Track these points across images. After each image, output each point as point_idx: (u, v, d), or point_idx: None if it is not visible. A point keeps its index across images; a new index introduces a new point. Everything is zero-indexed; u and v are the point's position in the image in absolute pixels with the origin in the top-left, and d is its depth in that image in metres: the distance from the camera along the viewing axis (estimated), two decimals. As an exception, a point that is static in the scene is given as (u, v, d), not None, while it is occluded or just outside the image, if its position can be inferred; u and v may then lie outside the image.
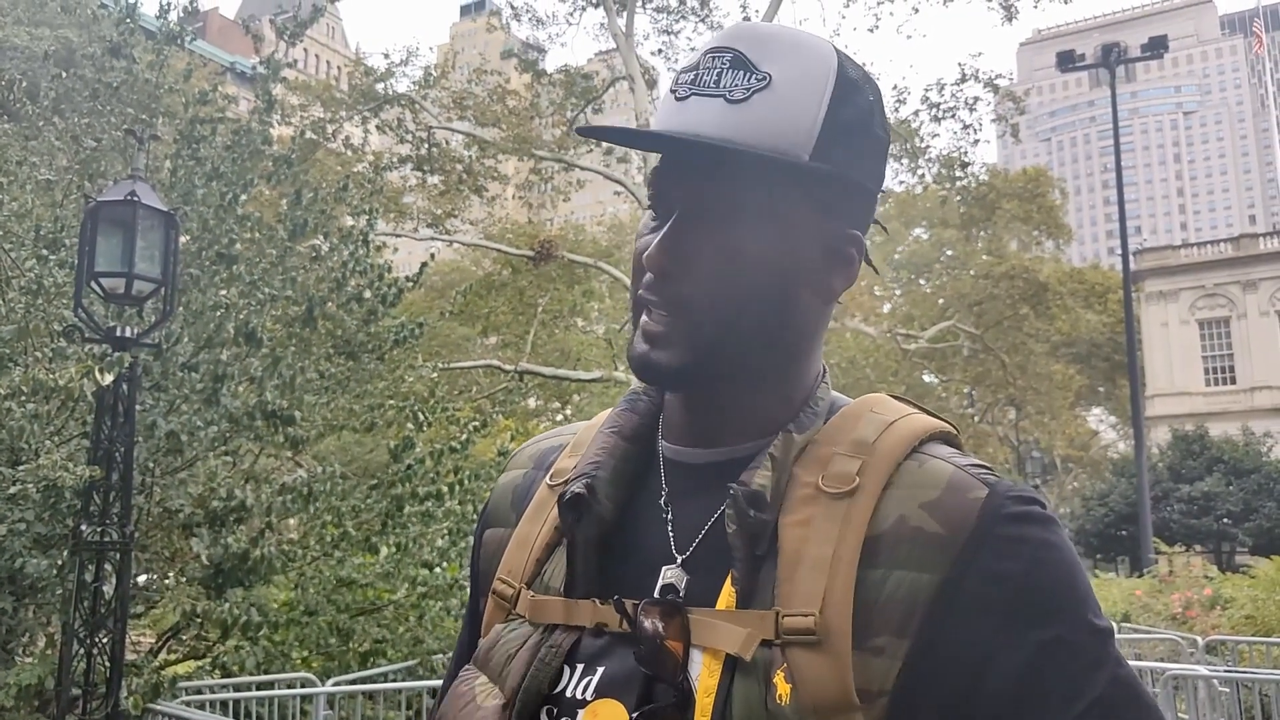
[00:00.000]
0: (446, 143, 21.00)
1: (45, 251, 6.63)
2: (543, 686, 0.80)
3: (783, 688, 0.73)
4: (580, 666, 0.81)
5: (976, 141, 43.03)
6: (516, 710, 0.79)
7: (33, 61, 10.57)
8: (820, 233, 0.82)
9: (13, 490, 5.58)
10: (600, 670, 0.80)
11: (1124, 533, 28.38)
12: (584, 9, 19.95)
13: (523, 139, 20.32)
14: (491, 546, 0.94)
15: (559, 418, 26.31)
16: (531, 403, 24.99)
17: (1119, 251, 20.66)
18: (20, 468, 5.57)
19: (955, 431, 0.86)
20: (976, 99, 20.30)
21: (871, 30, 21.51)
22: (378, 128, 20.31)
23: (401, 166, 20.72)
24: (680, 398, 0.88)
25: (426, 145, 20.41)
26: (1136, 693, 0.76)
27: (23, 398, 5.29)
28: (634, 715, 0.76)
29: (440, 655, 7.41)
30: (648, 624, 0.77)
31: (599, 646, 0.81)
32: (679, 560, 0.81)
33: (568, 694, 0.80)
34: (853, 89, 0.82)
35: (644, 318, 0.83)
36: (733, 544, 0.78)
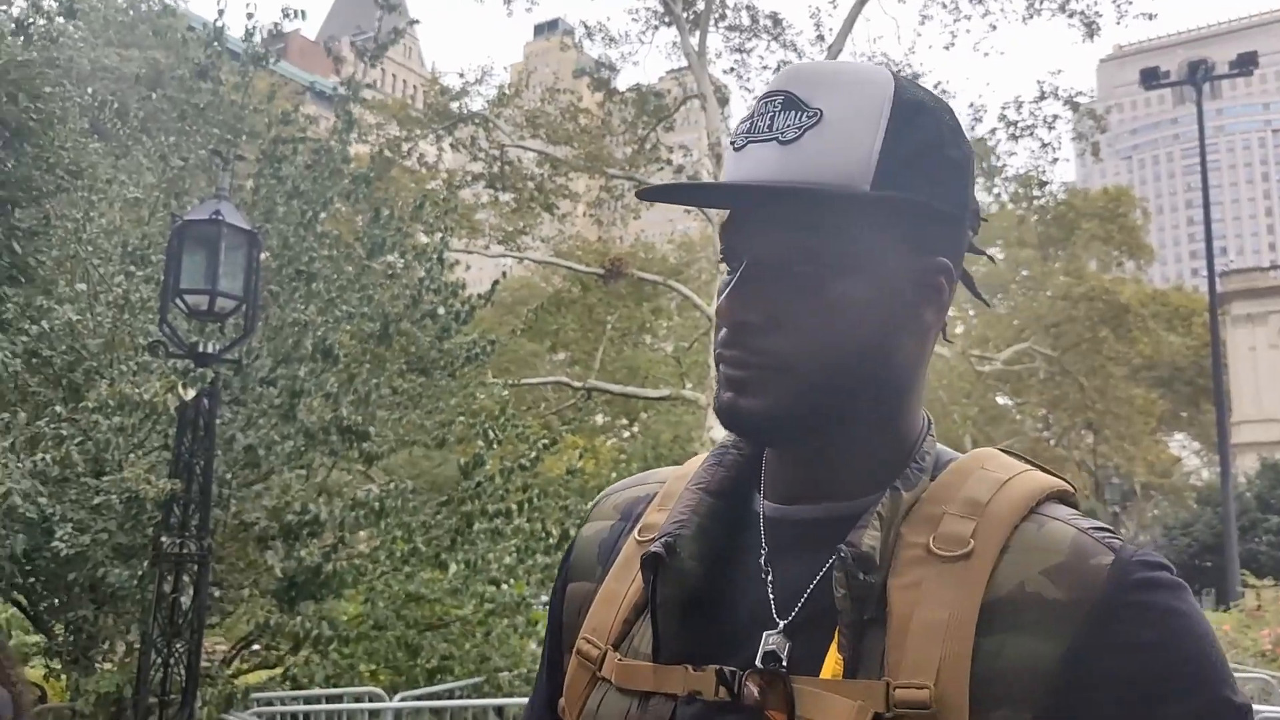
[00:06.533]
0: (519, 160, 21.21)
1: (133, 267, 6.82)
2: None
3: None
4: None
5: (1055, 160, 42.03)
6: None
7: (122, 82, 10.93)
8: (903, 266, 0.79)
9: (97, 501, 5.74)
10: None
11: (1209, 564, 27.43)
12: (656, 28, 20.03)
13: (594, 157, 20.43)
14: (576, 602, 0.90)
15: (626, 434, 26.32)
16: (599, 419, 25.04)
17: (1204, 273, 20.05)
18: (104, 478, 5.72)
19: (1073, 490, 0.82)
20: (1055, 117, 19.95)
21: (947, 48, 21.33)
22: (452, 146, 20.60)
23: (474, 184, 20.97)
24: (778, 452, 0.85)
25: (499, 163, 20.62)
26: None
27: (109, 410, 5.43)
28: None
29: (506, 673, 7.42)
30: (749, 694, 0.73)
31: (693, 715, 0.77)
32: (780, 625, 0.77)
33: None
34: (915, 113, 0.79)
35: (726, 368, 0.79)
36: (840, 608, 0.74)
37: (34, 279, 6.96)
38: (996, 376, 27.63)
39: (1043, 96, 19.70)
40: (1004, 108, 19.51)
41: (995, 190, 21.08)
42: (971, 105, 28.09)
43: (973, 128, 20.34)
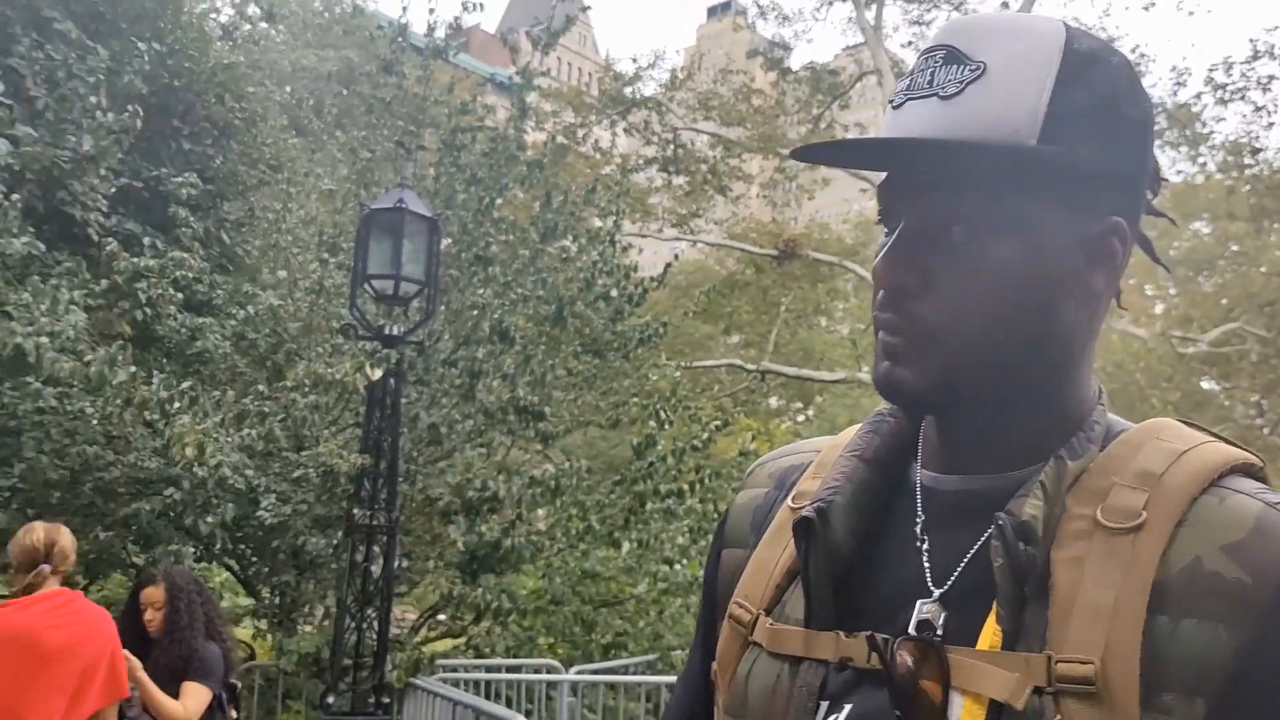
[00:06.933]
0: (692, 143, 21.23)
1: (326, 255, 7.23)
2: None
3: None
4: (825, 704, 0.75)
5: (1270, 125, 39.01)
6: None
7: (318, 81, 11.57)
8: (1070, 228, 0.73)
9: (297, 474, 6.13)
10: (847, 708, 0.74)
11: None
12: (831, 3, 19.72)
13: (768, 137, 20.23)
14: (729, 568, 0.89)
15: (800, 418, 26.02)
16: (773, 402, 24.85)
17: None
18: (303, 453, 6.11)
19: (1261, 464, 0.74)
20: (1271, 78, 18.34)
21: (1147, 9, 19.88)
22: (625, 130, 20.82)
23: (648, 168, 21.14)
24: (936, 420, 0.81)
25: (672, 146, 20.72)
26: None
27: (305, 389, 5.79)
28: None
29: (679, 651, 7.50)
30: (901, 662, 0.70)
31: (844, 682, 0.75)
32: (935, 594, 0.74)
33: None
34: (1088, 65, 0.73)
35: (883, 334, 0.76)
36: (998, 579, 0.70)
37: (241, 267, 7.49)
38: (1201, 359, 25.75)
39: (1256, 56, 18.18)
40: (1211, 70, 18.07)
41: (1201, 159, 19.67)
42: (1174, 68, 26.31)
43: (1175, 93, 19.05)
